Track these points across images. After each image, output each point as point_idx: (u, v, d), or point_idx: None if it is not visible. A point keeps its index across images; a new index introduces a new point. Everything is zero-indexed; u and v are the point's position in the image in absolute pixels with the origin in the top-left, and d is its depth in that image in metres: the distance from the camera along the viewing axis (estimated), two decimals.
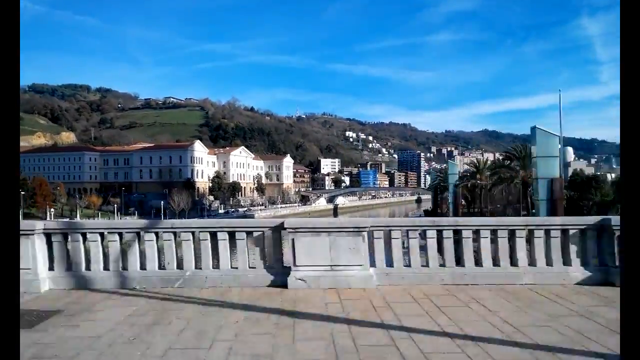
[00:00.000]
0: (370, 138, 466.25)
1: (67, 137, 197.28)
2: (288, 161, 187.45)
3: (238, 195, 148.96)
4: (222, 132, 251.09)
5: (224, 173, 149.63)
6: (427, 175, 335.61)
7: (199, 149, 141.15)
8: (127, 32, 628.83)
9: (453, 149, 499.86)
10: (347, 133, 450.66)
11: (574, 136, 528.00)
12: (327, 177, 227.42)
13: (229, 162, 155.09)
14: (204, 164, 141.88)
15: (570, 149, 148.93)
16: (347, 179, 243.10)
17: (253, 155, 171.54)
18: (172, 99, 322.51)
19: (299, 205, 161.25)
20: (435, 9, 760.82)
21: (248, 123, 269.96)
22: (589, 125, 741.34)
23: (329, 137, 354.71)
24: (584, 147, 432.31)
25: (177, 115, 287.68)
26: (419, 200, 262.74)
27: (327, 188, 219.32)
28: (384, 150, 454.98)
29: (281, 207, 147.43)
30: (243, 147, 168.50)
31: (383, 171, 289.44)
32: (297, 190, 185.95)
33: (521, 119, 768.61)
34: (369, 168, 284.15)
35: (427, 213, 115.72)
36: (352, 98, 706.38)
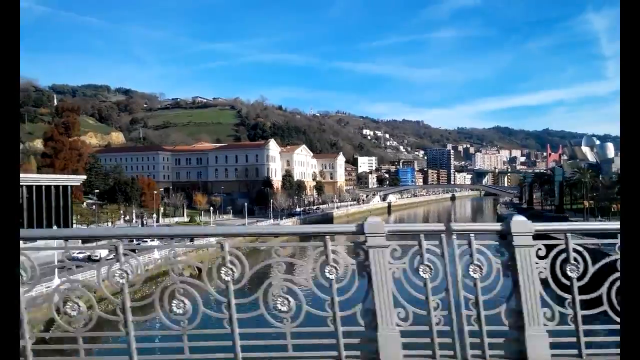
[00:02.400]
0: (387, 136, 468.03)
1: (117, 137, 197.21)
2: (341, 159, 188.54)
3: (302, 194, 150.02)
4: (260, 130, 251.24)
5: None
6: (456, 173, 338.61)
7: (273, 147, 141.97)
8: (130, 31, 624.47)
9: (468, 146, 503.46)
10: (365, 131, 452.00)
11: (587, 132, 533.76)
12: (369, 175, 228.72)
13: (292, 161, 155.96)
14: (277, 162, 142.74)
15: (610, 145, 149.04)
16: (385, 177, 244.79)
17: (312, 154, 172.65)
18: (199, 99, 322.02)
19: (362, 203, 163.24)
20: (438, 5, 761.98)
21: (283, 122, 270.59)
22: (597, 121, 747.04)
23: (352, 136, 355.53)
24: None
25: (209, 115, 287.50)
26: (453, 198, 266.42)
27: (369, 186, 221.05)
28: (401, 147, 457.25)
29: (350, 205, 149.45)
30: (304, 145, 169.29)
31: (416, 169, 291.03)
32: (350, 188, 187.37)
33: (527, 115, 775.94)
34: (401, 165, 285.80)
35: (523, 209, 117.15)
36: (356, 96, 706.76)
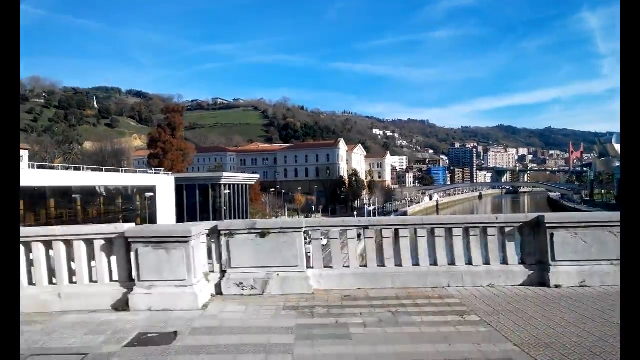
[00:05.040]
0: (397, 135, 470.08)
1: None
2: (389, 159, 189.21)
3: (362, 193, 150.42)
4: (292, 131, 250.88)
5: None
6: (478, 171, 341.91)
7: (343, 147, 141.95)
8: (128, 34, 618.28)
9: (476, 144, 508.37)
10: (375, 131, 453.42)
11: (589, 130, 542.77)
12: (406, 174, 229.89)
13: (352, 160, 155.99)
14: (345, 161, 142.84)
15: None
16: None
17: (366, 153, 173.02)
18: (221, 100, 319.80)
19: (420, 203, 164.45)
20: (435, 5, 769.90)
21: (313, 122, 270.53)
22: (592, 119, 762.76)
23: (375, 136, 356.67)
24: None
25: (235, 116, 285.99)
26: (480, 197, 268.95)
27: (407, 185, 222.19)
28: (411, 147, 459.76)
29: (416, 205, 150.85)
30: (360, 145, 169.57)
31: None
32: (397, 187, 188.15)
33: (527, 114, 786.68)
34: (427, 164, 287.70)
35: (611, 205, 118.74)
36: (355, 96, 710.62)
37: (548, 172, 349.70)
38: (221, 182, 49.93)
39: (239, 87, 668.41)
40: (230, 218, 51.26)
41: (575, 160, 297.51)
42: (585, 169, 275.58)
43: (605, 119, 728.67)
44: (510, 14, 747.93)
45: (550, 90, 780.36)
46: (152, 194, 32.79)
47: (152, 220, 34.41)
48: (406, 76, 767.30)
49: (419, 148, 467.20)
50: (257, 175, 67.44)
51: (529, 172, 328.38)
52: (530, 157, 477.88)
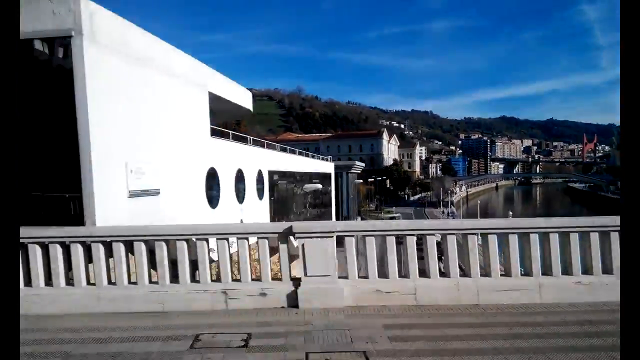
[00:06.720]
0: (403, 126, 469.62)
1: None
2: (419, 150, 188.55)
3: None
4: (311, 121, 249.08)
5: None
6: (492, 163, 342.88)
7: (385, 137, 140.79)
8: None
9: (479, 135, 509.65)
10: (381, 121, 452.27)
11: (591, 122, 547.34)
12: (429, 165, 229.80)
13: (389, 150, 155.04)
14: (387, 152, 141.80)
15: None
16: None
17: (399, 143, 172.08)
18: None
19: (456, 194, 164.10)
20: None
21: (331, 112, 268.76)
22: (592, 111, 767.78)
23: (383, 125, 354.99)
24: (603, 133, 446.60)
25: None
26: (497, 188, 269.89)
27: (430, 175, 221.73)
28: (418, 137, 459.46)
29: (456, 195, 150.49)
30: (395, 135, 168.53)
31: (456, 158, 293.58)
32: (422, 177, 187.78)
33: (527, 105, 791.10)
34: (445, 155, 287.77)
35: None
36: (351, 87, 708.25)
37: (557, 164, 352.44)
38: (352, 171, 48.57)
39: (239, 77, 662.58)
40: (344, 209, 49.99)
41: (588, 152, 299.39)
42: (599, 160, 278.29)
43: (604, 111, 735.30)
44: (510, 4, 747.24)
45: (549, 81, 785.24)
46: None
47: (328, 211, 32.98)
48: (404, 67, 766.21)
49: (425, 139, 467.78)
50: (363, 164, 65.95)
51: (540, 164, 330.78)
52: (535, 148, 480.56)
